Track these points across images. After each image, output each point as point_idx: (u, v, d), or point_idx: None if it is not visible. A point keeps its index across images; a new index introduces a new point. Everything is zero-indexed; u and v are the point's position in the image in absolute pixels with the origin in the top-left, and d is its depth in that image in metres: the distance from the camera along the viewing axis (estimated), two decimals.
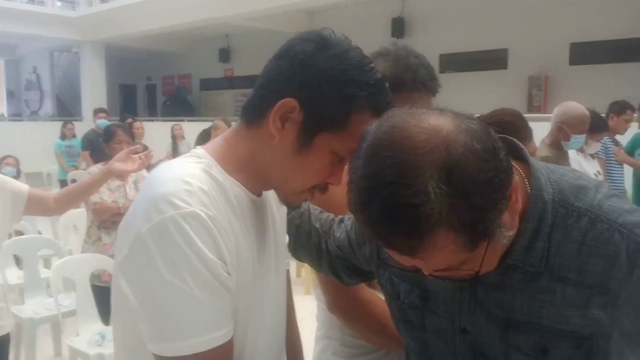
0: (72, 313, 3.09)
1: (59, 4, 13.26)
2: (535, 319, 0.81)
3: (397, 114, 0.72)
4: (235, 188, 0.85)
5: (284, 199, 0.92)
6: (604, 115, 4.15)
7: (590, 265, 0.78)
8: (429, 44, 9.87)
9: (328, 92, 0.80)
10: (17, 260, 3.83)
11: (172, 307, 0.74)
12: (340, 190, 1.20)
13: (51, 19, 12.29)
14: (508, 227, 0.73)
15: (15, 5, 11.85)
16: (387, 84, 0.85)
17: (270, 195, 0.98)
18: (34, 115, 16.08)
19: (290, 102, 0.81)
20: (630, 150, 4.39)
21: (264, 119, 0.83)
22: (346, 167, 0.81)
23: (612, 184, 4.02)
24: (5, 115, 16.05)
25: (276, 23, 10.43)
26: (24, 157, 6.12)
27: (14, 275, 3.72)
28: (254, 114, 0.85)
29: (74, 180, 5.93)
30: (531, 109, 8.27)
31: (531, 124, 2.20)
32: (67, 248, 3.92)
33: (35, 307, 3.29)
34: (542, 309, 0.80)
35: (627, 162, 4.22)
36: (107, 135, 3.22)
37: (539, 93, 8.33)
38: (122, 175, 2.46)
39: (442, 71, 9.89)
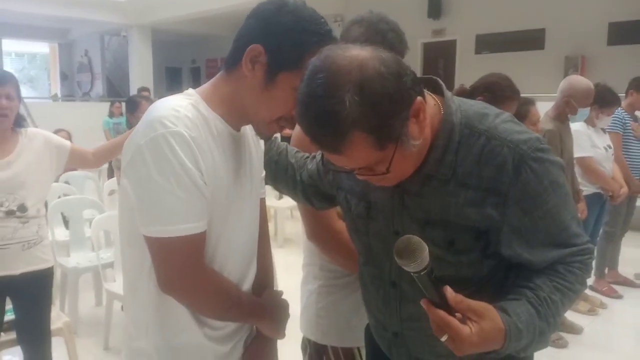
0: (110, 265, 3.44)
1: None
2: (445, 217, 1.02)
3: (332, 48, 0.94)
4: (216, 121, 1.08)
5: (257, 129, 1.15)
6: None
7: (485, 173, 0.99)
8: (465, 25, 9.85)
9: (285, 39, 1.03)
10: (64, 221, 4.19)
11: (158, 200, 0.98)
12: None
13: (101, 3, 12.69)
14: (415, 138, 0.94)
15: None
16: (334, 34, 1.07)
17: (249, 134, 1.21)
18: (86, 96, 16.71)
19: (257, 47, 1.04)
20: None
21: (239, 65, 1.06)
22: None
23: (629, 160, 4.03)
24: (59, 95, 16.78)
25: (314, 5, 10.46)
26: (76, 135, 6.50)
27: (61, 234, 4.05)
28: (231, 61, 1.08)
29: None
30: None
31: None
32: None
33: (79, 259, 3.66)
34: (449, 208, 1.02)
35: None
36: (132, 105, 3.57)
37: (576, 73, 8.14)
38: None
39: (478, 52, 9.85)
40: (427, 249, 0.88)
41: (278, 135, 1.45)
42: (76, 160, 2.40)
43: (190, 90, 1.11)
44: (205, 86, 1.13)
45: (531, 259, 1.02)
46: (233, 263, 1.16)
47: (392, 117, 0.89)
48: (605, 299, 4.02)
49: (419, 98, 0.92)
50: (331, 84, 0.87)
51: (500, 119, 1.03)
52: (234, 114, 1.11)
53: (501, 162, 0.97)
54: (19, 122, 2.23)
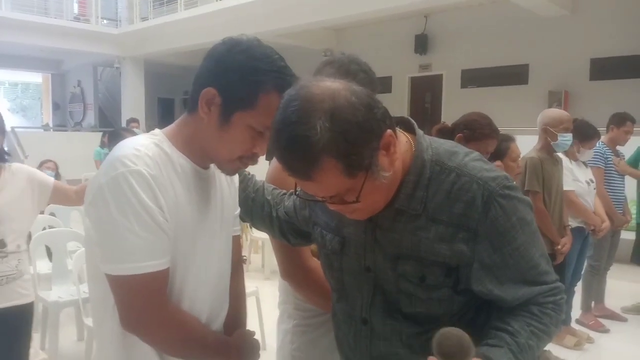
0: None
1: (104, 21, 13.88)
2: (416, 252, 1.04)
3: (306, 80, 0.98)
4: (180, 159, 1.10)
5: (220, 168, 1.16)
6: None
7: (455, 208, 1.01)
8: (451, 60, 10.08)
9: (237, 80, 1.04)
10: (49, 253, 4.15)
11: (119, 239, 0.99)
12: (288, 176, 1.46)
13: (95, 35, 12.87)
14: (385, 169, 0.96)
15: (63, 22, 12.49)
16: (290, 70, 1.09)
17: (221, 173, 1.23)
18: (78, 126, 16.71)
19: (210, 90, 1.06)
20: (635, 162, 4.42)
21: (197, 107, 1.08)
22: None
23: (612, 194, 4.09)
24: (51, 125, 16.80)
25: (304, 40, 10.74)
26: (66, 164, 6.49)
27: (44, 267, 4.00)
28: (192, 103, 1.10)
29: None
30: None
31: None
32: None
33: (60, 293, 3.60)
34: (420, 243, 1.03)
35: (628, 172, 4.26)
36: (115, 138, 3.59)
37: (559, 108, 8.31)
38: None
39: (463, 86, 10.05)
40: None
41: (254, 173, 1.47)
42: (58, 198, 2.39)
43: (156, 130, 1.14)
44: (171, 126, 1.16)
45: (502, 295, 1.03)
46: (202, 301, 1.16)
47: (362, 145, 0.92)
48: (592, 333, 4.00)
49: (389, 131, 0.95)
50: (304, 110, 0.90)
51: (469, 157, 1.06)
52: (197, 153, 1.13)
53: (471, 198, 1.00)
54: (1, 156, 2.22)
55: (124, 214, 0.98)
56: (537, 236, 1.06)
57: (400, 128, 1.07)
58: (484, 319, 1.08)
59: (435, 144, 1.08)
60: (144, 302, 1.03)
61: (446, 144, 1.10)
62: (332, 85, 0.94)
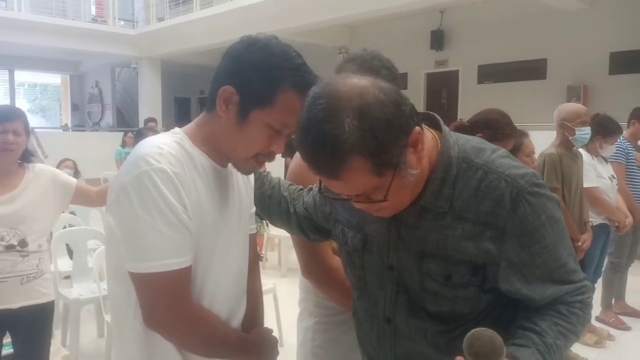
0: None
1: (121, 22, 14.01)
2: (442, 250, 1.02)
3: (332, 77, 0.96)
4: (201, 158, 1.10)
5: (235, 166, 1.16)
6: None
7: (483, 206, 0.99)
8: (467, 55, 9.99)
9: (254, 78, 1.04)
10: (69, 251, 4.22)
11: (143, 237, 1.00)
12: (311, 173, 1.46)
13: (112, 36, 13.02)
14: (413, 167, 0.95)
15: (80, 24, 12.65)
16: (308, 67, 1.08)
17: (238, 172, 1.22)
18: (96, 126, 16.92)
19: (227, 89, 1.06)
20: None
21: (215, 105, 1.08)
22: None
23: (633, 190, 4.01)
24: (70, 126, 17.03)
25: (319, 38, 10.72)
26: (85, 164, 6.58)
27: (65, 265, 4.07)
28: (210, 102, 1.11)
29: None
30: None
31: None
32: None
33: (81, 290, 3.66)
34: (446, 242, 1.02)
35: None
36: (139, 137, 3.64)
37: (578, 103, 8.21)
38: None
39: (480, 82, 9.95)
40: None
41: (269, 170, 1.48)
42: (80, 199, 2.42)
43: (177, 129, 1.14)
44: (190, 125, 1.16)
45: (530, 294, 1.01)
46: (222, 299, 1.16)
47: (391, 143, 0.90)
48: (612, 331, 3.94)
49: (417, 128, 0.94)
50: (331, 108, 0.88)
51: (497, 154, 1.04)
52: (216, 152, 1.13)
53: (499, 195, 0.98)
54: (26, 157, 2.25)
55: (148, 211, 0.98)
56: (565, 234, 1.04)
57: (425, 124, 1.06)
58: (509, 316, 1.06)
59: (461, 141, 1.06)
60: (168, 300, 1.03)
61: (473, 141, 1.08)
62: (360, 82, 0.92)
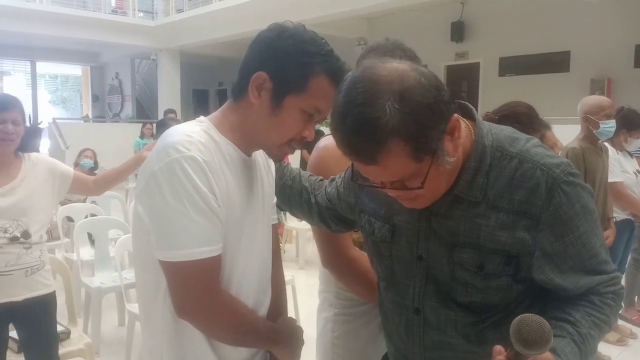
0: (133, 285, 3.45)
1: (140, 14, 14.12)
2: (475, 240, 1.01)
3: (371, 61, 0.95)
4: (228, 146, 1.10)
5: (269, 153, 1.16)
6: None
7: (517, 195, 0.98)
8: (488, 48, 9.85)
9: (288, 63, 1.04)
10: (91, 240, 4.28)
11: (174, 225, 0.99)
12: (333, 162, 1.45)
13: (132, 28, 13.14)
14: (450, 154, 0.94)
15: (100, 15, 12.77)
16: (336, 53, 1.08)
17: (260, 161, 1.23)
18: (116, 117, 17.07)
19: (261, 75, 1.06)
20: None
21: (245, 93, 1.08)
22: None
23: None
24: (90, 117, 17.18)
25: (336, 29, 10.67)
26: (106, 154, 6.67)
27: (87, 254, 4.13)
28: (238, 90, 1.11)
29: None
30: None
31: None
32: None
33: (102, 279, 3.71)
34: (479, 231, 1.01)
35: None
36: (161, 127, 3.69)
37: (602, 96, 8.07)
38: None
39: (501, 74, 9.82)
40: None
41: (289, 161, 1.47)
42: (78, 188, 2.41)
43: (202, 118, 1.14)
44: (215, 114, 1.16)
45: (563, 284, 1.01)
46: (248, 289, 1.16)
47: (431, 127, 0.89)
48: (635, 329, 3.88)
49: (455, 115, 0.93)
50: (371, 92, 0.87)
51: (531, 143, 1.03)
52: (245, 140, 1.13)
53: (534, 185, 0.97)
54: (22, 146, 2.22)
55: (179, 199, 0.98)
56: (598, 225, 1.03)
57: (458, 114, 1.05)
58: (539, 307, 1.05)
59: (495, 130, 1.05)
60: (199, 288, 1.03)
61: (506, 130, 1.07)
62: (400, 66, 0.91)
